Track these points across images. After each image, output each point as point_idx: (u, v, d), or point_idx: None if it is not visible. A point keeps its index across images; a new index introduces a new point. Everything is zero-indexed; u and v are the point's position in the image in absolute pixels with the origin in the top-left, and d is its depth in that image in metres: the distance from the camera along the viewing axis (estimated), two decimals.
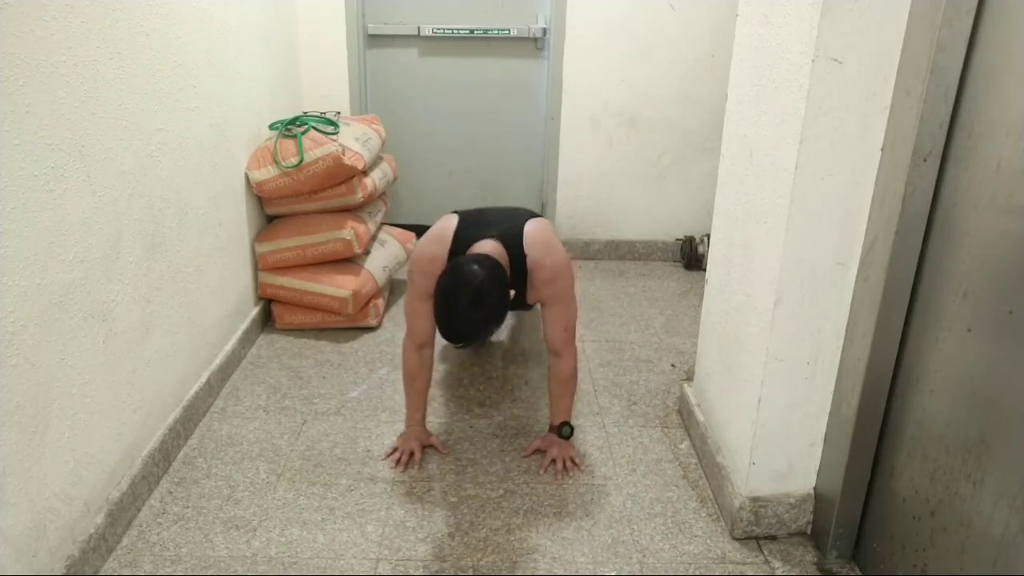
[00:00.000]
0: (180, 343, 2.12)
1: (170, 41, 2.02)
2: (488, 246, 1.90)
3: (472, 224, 1.99)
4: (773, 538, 1.80)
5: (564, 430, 2.09)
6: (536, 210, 3.74)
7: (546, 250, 1.96)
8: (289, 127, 2.72)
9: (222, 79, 2.41)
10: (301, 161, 2.61)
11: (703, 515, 1.89)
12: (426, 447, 2.11)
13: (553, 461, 2.06)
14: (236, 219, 2.58)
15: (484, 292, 1.72)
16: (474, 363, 2.61)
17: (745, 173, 1.79)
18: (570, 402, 2.10)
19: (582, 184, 3.63)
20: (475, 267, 1.75)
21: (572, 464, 2.06)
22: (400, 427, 2.21)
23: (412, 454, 2.06)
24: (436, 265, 1.92)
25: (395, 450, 2.09)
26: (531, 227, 1.98)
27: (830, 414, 1.70)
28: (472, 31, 3.46)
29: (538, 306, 2.10)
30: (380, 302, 2.90)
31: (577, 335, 2.20)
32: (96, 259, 1.66)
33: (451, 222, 2.00)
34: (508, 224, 1.99)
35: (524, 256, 1.94)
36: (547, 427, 2.20)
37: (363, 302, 2.79)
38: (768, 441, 1.73)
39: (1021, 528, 1.20)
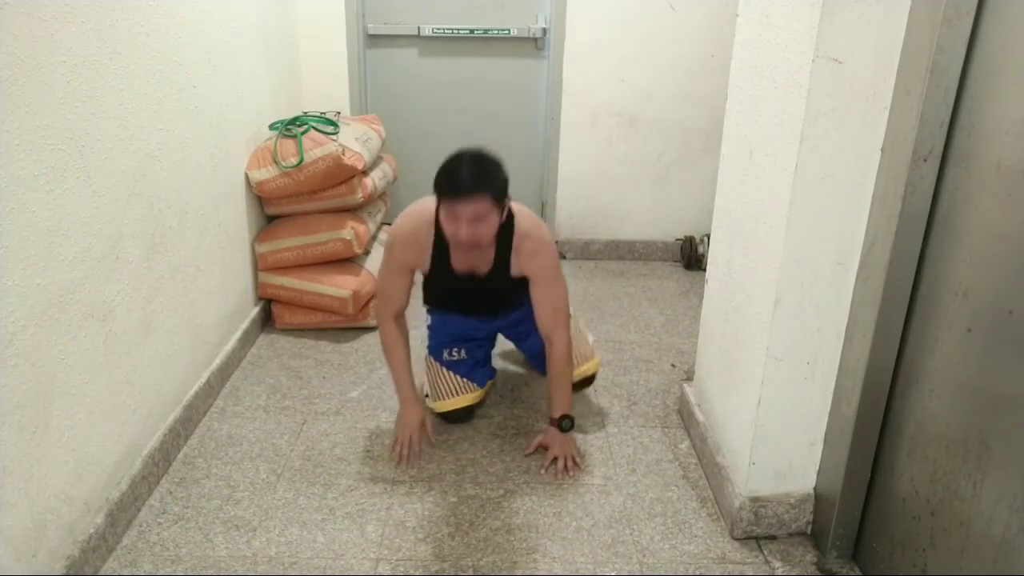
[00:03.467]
0: (180, 343, 2.12)
1: (170, 41, 2.01)
2: None
3: None
4: (773, 538, 1.80)
5: (564, 423, 2.07)
6: (536, 210, 3.75)
7: (534, 224, 2.02)
8: (289, 127, 2.72)
9: (222, 79, 2.41)
10: (301, 161, 2.61)
11: (703, 515, 1.89)
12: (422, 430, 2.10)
13: (555, 460, 2.06)
14: (236, 219, 2.58)
15: (485, 156, 1.85)
16: None
17: (745, 173, 1.79)
18: (568, 393, 2.09)
19: (582, 184, 3.63)
20: (472, 148, 1.87)
21: (573, 464, 2.05)
22: None
23: (411, 442, 2.06)
24: (420, 237, 2.01)
25: (396, 443, 2.09)
26: (519, 206, 2.03)
27: (830, 414, 1.70)
28: (472, 31, 3.46)
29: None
30: None
31: (573, 325, 2.22)
32: (96, 259, 1.66)
33: (430, 200, 1.98)
34: None
35: (512, 220, 1.98)
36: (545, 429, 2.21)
37: (363, 302, 2.79)
38: (768, 441, 1.73)
39: (1021, 528, 1.20)
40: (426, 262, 2.05)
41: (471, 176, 1.79)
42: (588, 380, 2.33)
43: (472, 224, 1.81)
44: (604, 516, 1.87)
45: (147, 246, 1.90)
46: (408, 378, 2.12)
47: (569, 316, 2.11)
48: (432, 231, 2.00)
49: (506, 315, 2.27)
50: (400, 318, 2.13)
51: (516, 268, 2.03)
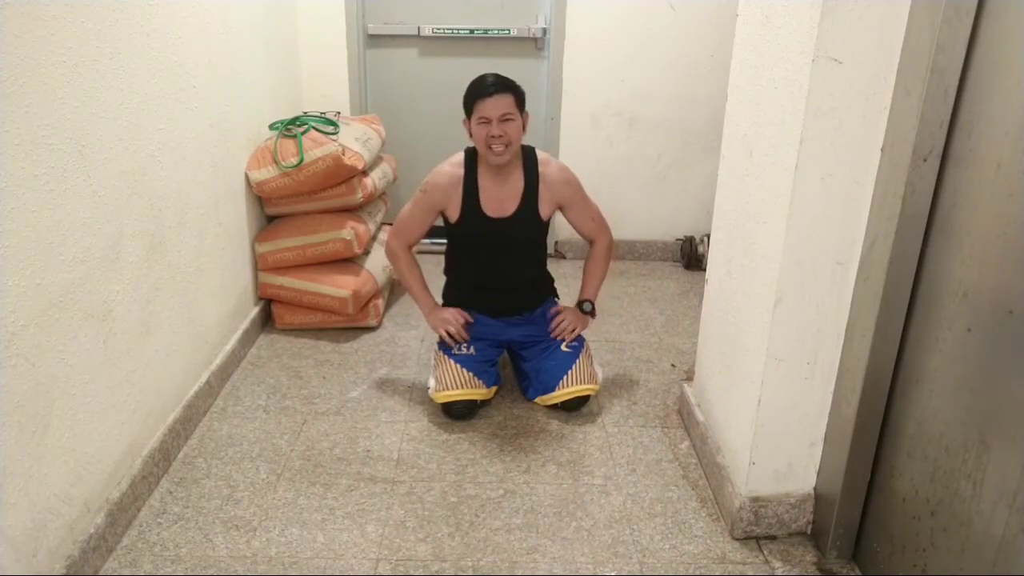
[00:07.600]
0: (180, 343, 2.12)
1: (170, 41, 2.01)
2: None
3: None
4: (773, 538, 1.80)
5: (584, 305, 2.38)
6: None
7: (554, 159, 2.31)
8: (289, 127, 2.72)
9: (222, 79, 2.41)
10: (301, 161, 2.61)
11: (703, 515, 1.89)
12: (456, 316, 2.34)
13: (562, 320, 2.33)
14: (236, 219, 2.58)
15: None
16: None
17: (745, 173, 1.79)
18: (599, 284, 2.41)
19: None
20: None
21: (572, 331, 2.33)
22: (400, 426, 2.22)
23: (458, 322, 2.30)
24: (453, 178, 2.22)
25: (448, 336, 2.29)
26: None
27: (830, 414, 1.70)
28: (472, 31, 3.46)
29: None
30: (380, 302, 2.90)
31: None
32: (96, 259, 1.66)
33: (461, 153, 2.26)
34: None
35: (533, 152, 2.24)
36: (545, 429, 2.23)
37: (363, 302, 2.79)
38: (768, 441, 1.73)
39: (1021, 528, 1.20)
40: (457, 203, 2.23)
41: (496, 79, 2.11)
42: (580, 400, 2.29)
43: (501, 123, 2.08)
44: (604, 516, 1.87)
45: (147, 246, 1.90)
46: (429, 294, 2.38)
47: (608, 227, 2.39)
48: (463, 172, 2.21)
49: (521, 311, 2.38)
50: (411, 249, 2.37)
51: (544, 200, 2.25)
